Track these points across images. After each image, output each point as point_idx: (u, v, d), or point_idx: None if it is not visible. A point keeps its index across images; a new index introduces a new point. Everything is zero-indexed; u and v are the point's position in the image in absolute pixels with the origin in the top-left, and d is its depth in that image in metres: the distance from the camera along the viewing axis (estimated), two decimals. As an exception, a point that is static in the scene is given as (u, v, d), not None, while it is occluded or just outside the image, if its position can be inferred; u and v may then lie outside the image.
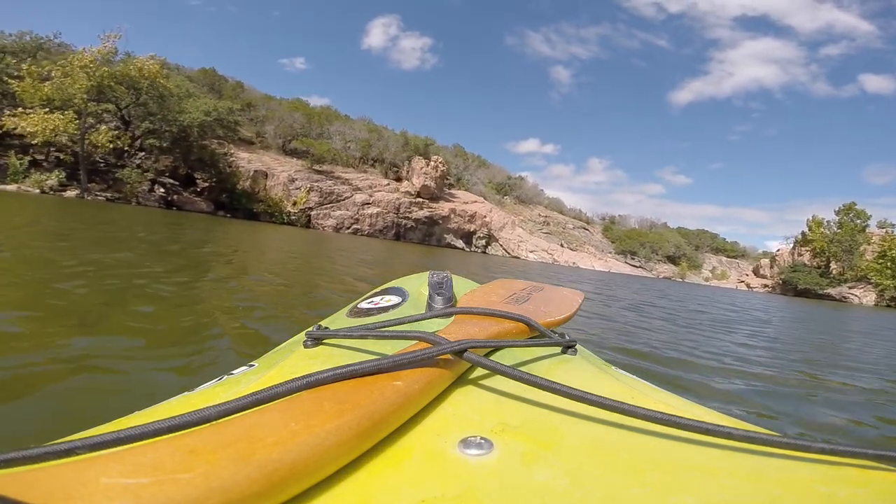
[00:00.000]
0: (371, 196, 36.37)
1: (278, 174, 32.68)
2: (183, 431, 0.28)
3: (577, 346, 0.58)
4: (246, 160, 32.36)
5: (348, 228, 34.59)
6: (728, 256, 61.82)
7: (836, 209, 40.77)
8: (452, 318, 0.60)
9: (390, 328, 0.56)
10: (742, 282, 46.81)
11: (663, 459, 0.31)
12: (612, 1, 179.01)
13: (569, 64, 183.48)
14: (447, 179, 43.22)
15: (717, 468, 0.30)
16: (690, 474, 0.30)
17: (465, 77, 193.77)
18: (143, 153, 27.12)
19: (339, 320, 0.75)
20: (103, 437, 0.27)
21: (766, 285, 43.64)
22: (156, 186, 26.97)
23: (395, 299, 0.79)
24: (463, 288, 0.85)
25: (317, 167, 35.38)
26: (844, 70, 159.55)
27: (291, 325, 2.59)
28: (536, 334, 0.60)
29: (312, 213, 33.38)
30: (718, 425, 0.33)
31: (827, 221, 41.08)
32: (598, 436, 0.35)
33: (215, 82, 37.74)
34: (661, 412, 0.34)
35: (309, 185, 33.35)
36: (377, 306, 0.77)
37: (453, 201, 41.13)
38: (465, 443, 0.32)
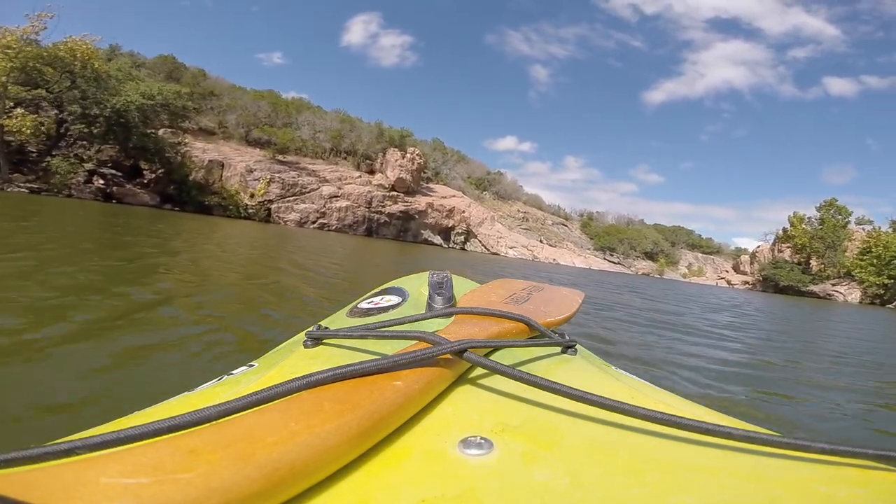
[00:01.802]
0: (340, 189, 32.90)
1: (235, 164, 29.00)
2: (183, 431, 0.27)
3: (577, 346, 0.56)
4: (201, 150, 28.68)
5: (314, 223, 31.10)
6: (703, 253, 60.02)
7: (818, 205, 38.99)
8: (452, 318, 0.58)
9: (390, 328, 0.54)
10: (722, 278, 44.78)
11: (663, 459, 0.31)
12: (591, 1, 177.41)
13: (547, 63, 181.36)
14: (424, 173, 39.97)
15: (717, 468, 0.30)
16: (690, 474, 0.29)
17: (444, 75, 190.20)
18: (84, 142, 23.60)
19: (339, 320, 0.73)
20: (103, 437, 0.26)
21: (746, 282, 41.60)
22: (94, 177, 23.42)
23: (395, 299, 0.77)
24: (463, 288, 0.83)
25: (280, 157, 31.72)
26: (810, 73, 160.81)
27: None
28: (536, 334, 0.59)
29: (273, 206, 29.83)
30: (718, 425, 0.32)
31: (809, 218, 39.04)
32: (598, 436, 0.34)
33: (173, 70, 33.95)
34: (661, 412, 0.33)
35: (269, 176, 29.73)
36: (377, 306, 0.75)
37: (431, 196, 37.91)
38: (465, 443, 0.32)
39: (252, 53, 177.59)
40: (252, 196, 28.81)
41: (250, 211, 28.44)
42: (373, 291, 0.89)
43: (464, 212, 38.78)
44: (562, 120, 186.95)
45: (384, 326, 0.54)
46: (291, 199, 30.65)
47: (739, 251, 60.10)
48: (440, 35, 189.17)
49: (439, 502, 0.26)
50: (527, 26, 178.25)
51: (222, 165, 28.89)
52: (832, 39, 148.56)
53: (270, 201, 29.70)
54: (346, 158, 37.17)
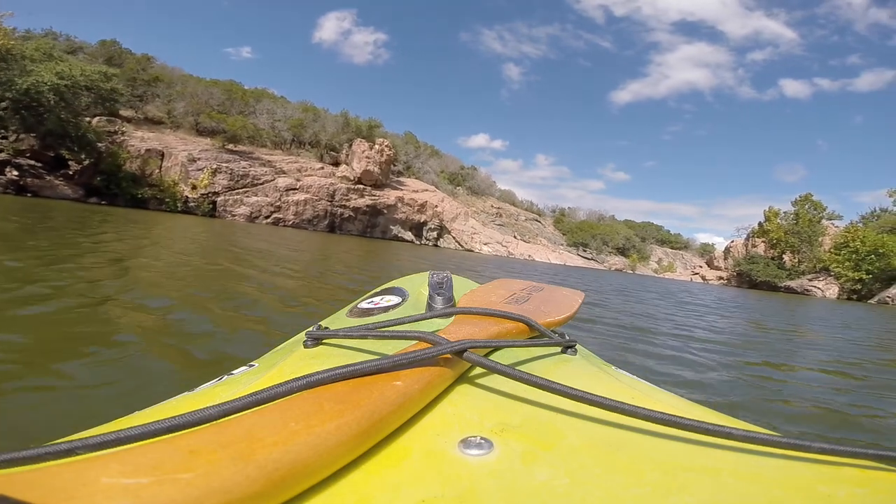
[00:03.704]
0: (298, 180, 29.07)
1: (177, 154, 24.83)
2: (183, 431, 0.27)
3: (577, 346, 0.55)
4: (139, 139, 24.46)
5: (267, 218, 27.40)
6: (672, 248, 58.57)
7: (793, 200, 37.26)
8: (452, 318, 0.57)
9: (390, 328, 0.53)
10: (696, 274, 42.83)
11: (663, 459, 0.30)
12: (563, 2, 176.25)
13: (519, 62, 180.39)
14: (394, 166, 36.48)
15: (717, 468, 0.29)
16: (690, 474, 0.28)
17: (417, 73, 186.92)
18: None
19: (339, 320, 0.71)
20: (103, 437, 0.25)
21: (721, 277, 39.65)
22: (7, 169, 19.65)
23: (395, 299, 0.75)
24: (463, 288, 0.81)
25: (231, 147, 27.74)
26: (767, 75, 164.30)
27: None
28: (536, 334, 0.57)
29: (219, 199, 25.94)
30: (718, 425, 0.31)
31: (784, 212, 37.22)
32: (598, 436, 0.33)
33: (115, 55, 29.85)
34: (661, 412, 0.32)
35: (215, 166, 25.74)
36: (377, 306, 0.73)
37: (401, 189, 34.48)
38: (465, 443, 0.31)
39: (220, 47, 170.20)
40: (194, 188, 24.82)
41: (191, 204, 24.75)
42: (373, 291, 0.87)
43: (437, 206, 35.53)
44: (533, 118, 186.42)
45: (384, 326, 0.53)
46: (241, 191, 26.91)
47: (706, 247, 59.16)
48: (414, 32, 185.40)
49: (439, 502, 0.25)
50: (501, 25, 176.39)
51: (162, 155, 24.93)
52: (789, 42, 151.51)
53: (216, 193, 25.93)
54: (308, 150, 33.32)
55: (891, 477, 0.29)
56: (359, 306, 0.76)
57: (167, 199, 23.56)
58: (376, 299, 0.77)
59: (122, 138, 23.92)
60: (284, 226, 27.23)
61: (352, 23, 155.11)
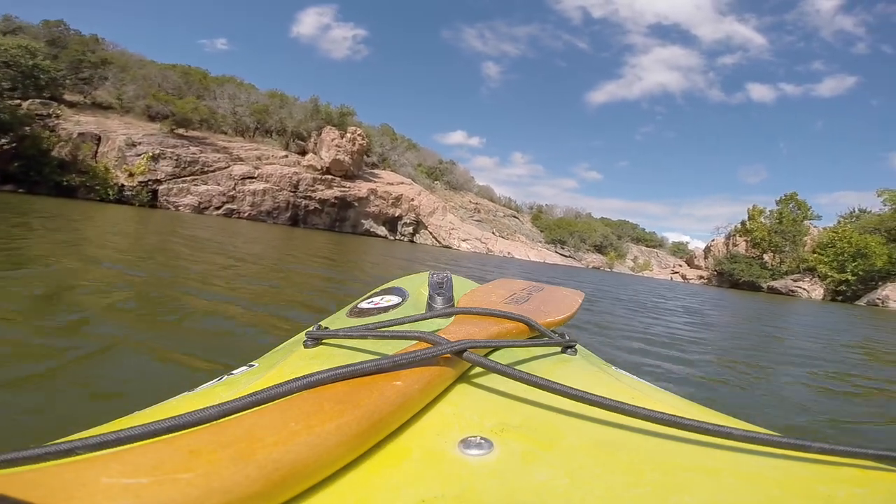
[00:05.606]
0: (257, 168, 25.78)
1: (116, 138, 21.37)
2: (183, 431, 0.26)
3: (577, 346, 0.54)
4: (74, 122, 20.96)
5: (218, 209, 24.32)
6: (647, 246, 57.14)
7: (778, 199, 35.97)
8: (452, 318, 0.56)
9: (390, 328, 0.52)
10: (676, 272, 41.22)
11: (663, 459, 0.29)
12: (544, 2, 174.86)
13: (499, 60, 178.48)
14: (368, 157, 33.41)
15: (717, 468, 0.28)
16: (690, 474, 0.28)
17: (396, 70, 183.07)
18: None
19: (339, 320, 0.70)
20: (103, 437, 0.25)
21: (701, 276, 38.10)
22: None
23: (395, 299, 0.74)
24: (463, 288, 0.80)
25: (180, 132, 24.38)
26: (736, 78, 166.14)
27: None
28: (536, 334, 0.56)
29: (161, 187, 22.57)
30: (718, 425, 0.31)
31: (770, 211, 35.84)
32: (598, 436, 0.32)
33: (59, 37, 26.26)
34: (661, 412, 0.32)
35: (159, 151, 22.47)
36: (377, 306, 0.72)
37: (374, 181, 31.58)
38: (465, 443, 0.30)
39: (194, 38, 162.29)
40: (130, 175, 21.45)
41: (127, 193, 21.44)
42: (373, 291, 0.85)
43: (413, 200, 32.76)
44: (510, 116, 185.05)
45: (384, 326, 0.52)
46: (188, 179, 23.69)
47: (678, 245, 58.07)
48: (395, 29, 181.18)
49: (439, 502, 0.25)
50: (482, 23, 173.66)
51: (98, 139, 21.46)
52: (758, 48, 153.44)
53: (157, 181, 22.63)
54: (274, 138, 30.05)
55: (891, 477, 0.28)
56: (359, 306, 0.73)
57: (97, 187, 20.29)
58: (376, 299, 0.75)
59: (54, 122, 20.67)
60: (239, 218, 24.23)
61: (331, 18, 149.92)
